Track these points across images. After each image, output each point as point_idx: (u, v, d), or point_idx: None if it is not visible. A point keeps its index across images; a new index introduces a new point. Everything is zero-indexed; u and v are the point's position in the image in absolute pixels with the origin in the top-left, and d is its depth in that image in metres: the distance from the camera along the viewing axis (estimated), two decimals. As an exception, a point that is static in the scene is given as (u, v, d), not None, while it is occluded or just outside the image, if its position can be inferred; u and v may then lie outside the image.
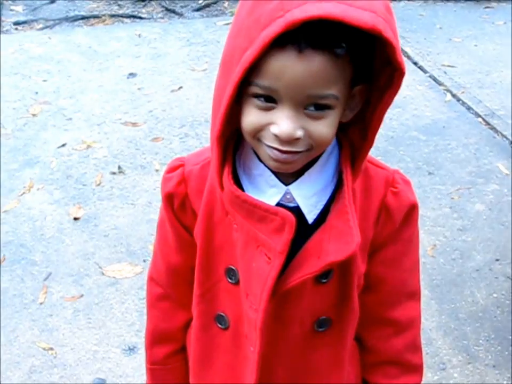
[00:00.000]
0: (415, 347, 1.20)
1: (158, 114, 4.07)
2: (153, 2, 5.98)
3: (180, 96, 4.30)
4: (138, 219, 3.13)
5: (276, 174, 0.98)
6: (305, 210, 0.99)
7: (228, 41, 0.89)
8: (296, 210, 0.97)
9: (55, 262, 2.87)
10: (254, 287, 1.00)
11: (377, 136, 0.95)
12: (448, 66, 4.75)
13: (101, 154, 3.66)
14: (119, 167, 3.52)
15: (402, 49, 4.76)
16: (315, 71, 0.82)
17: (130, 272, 2.81)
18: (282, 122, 0.86)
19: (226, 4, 5.94)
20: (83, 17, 5.69)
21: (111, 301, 2.67)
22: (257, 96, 0.87)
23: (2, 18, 5.65)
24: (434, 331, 2.49)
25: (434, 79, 4.54)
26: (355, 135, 0.97)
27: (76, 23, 5.64)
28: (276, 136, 0.87)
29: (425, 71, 4.65)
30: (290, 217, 0.93)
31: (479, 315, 2.58)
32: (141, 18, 5.72)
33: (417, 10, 5.83)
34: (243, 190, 0.98)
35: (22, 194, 3.31)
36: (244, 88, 0.87)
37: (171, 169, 1.10)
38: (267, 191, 0.98)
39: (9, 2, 5.98)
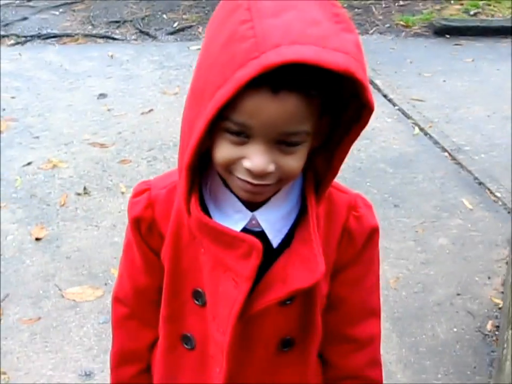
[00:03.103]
0: (375, 363, 1.23)
1: (127, 136, 4.05)
2: (127, 24, 5.98)
3: (150, 119, 4.29)
4: (102, 242, 3.09)
5: (242, 200, 0.99)
6: (270, 235, 1.01)
7: (199, 72, 0.89)
8: (261, 235, 1.00)
9: (13, 283, 2.81)
10: (221, 310, 1.02)
11: (344, 167, 0.97)
12: (417, 100, 4.81)
13: (67, 174, 3.62)
14: (85, 188, 3.49)
15: (372, 82, 4.84)
16: (289, 111, 0.84)
17: (91, 296, 2.76)
18: (255, 157, 0.87)
19: (200, 29, 5.97)
20: (55, 36, 5.66)
21: (70, 324, 2.62)
22: (230, 131, 0.88)
23: (-26, 32, 5.61)
24: (394, 364, 2.49)
25: (403, 113, 4.60)
26: (319, 163, 0.99)
27: (48, 40, 5.61)
28: (248, 170, 0.89)
29: (394, 104, 4.71)
30: (258, 243, 0.95)
31: (438, 349, 2.58)
32: (114, 39, 5.72)
33: (388, 44, 5.91)
34: (209, 215, 0.99)
35: (-17, 212, 3.26)
36: (216, 122, 0.86)
37: (137, 193, 1.11)
38: (233, 217, 1.00)
39: (-19, 17, 5.94)
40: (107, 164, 3.74)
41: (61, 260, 2.96)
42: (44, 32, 5.74)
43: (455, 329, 2.68)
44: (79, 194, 3.45)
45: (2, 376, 2.37)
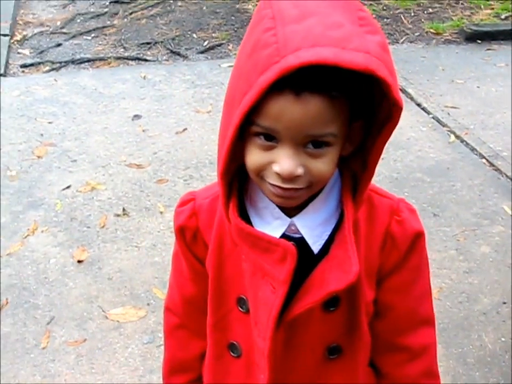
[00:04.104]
0: (431, 374, 1.21)
1: (163, 156, 4.09)
2: (158, 45, 6.05)
3: (185, 138, 4.32)
4: (143, 262, 3.12)
5: (280, 206, 1.01)
6: (310, 241, 1.02)
7: (230, 83, 0.93)
8: (303, 241, 1.02)
9: (58, 306, 2.85)
10: (261, 316, 1.04)
11: (381, 178, 0.97)
12: (451, 107, 4.77)
13: (105, 196, 3.66)
14: (124, 209, 3.52)
15: (405, 91, 4.81)
16: (312, 113, 0.86)
17: (134, 316, 2.78)
18: (283, 161, 0.90)
19: (230, 46, 6.01)
20: (89, 60, 5.74)
21: (115, 345, 2.64)
22: (258, 134, 0.91)
23: (10, 61, 5.72)
24: (442, 376, 2.40)
25: (438, 121, 4.55)
26: (356, 166, 1.01)
27: (82, 65, 5.69)
28: (277, 174, 0.91)
29: (428, 113, 4.66)
30: (291, 248, 0.97)
31: (487, 360, 2.54)
32: (146, 60, 5.78)
33: (419, 52, 5.87)
34: (251, 222, 1.02)
35: (26, 237, 3.30)
36: (247, 128, 0.90)
37: (183, 203, 1.15)
38: (272, 223, 1.03)
39: (17, 45, 6.05)
40: (144, 184, 3.78)
41: (103, 282, 2.99)
42: (78, 57, 5.82)
43: (503, 339, 2.63)
44: (118, 215, 3.48)
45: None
